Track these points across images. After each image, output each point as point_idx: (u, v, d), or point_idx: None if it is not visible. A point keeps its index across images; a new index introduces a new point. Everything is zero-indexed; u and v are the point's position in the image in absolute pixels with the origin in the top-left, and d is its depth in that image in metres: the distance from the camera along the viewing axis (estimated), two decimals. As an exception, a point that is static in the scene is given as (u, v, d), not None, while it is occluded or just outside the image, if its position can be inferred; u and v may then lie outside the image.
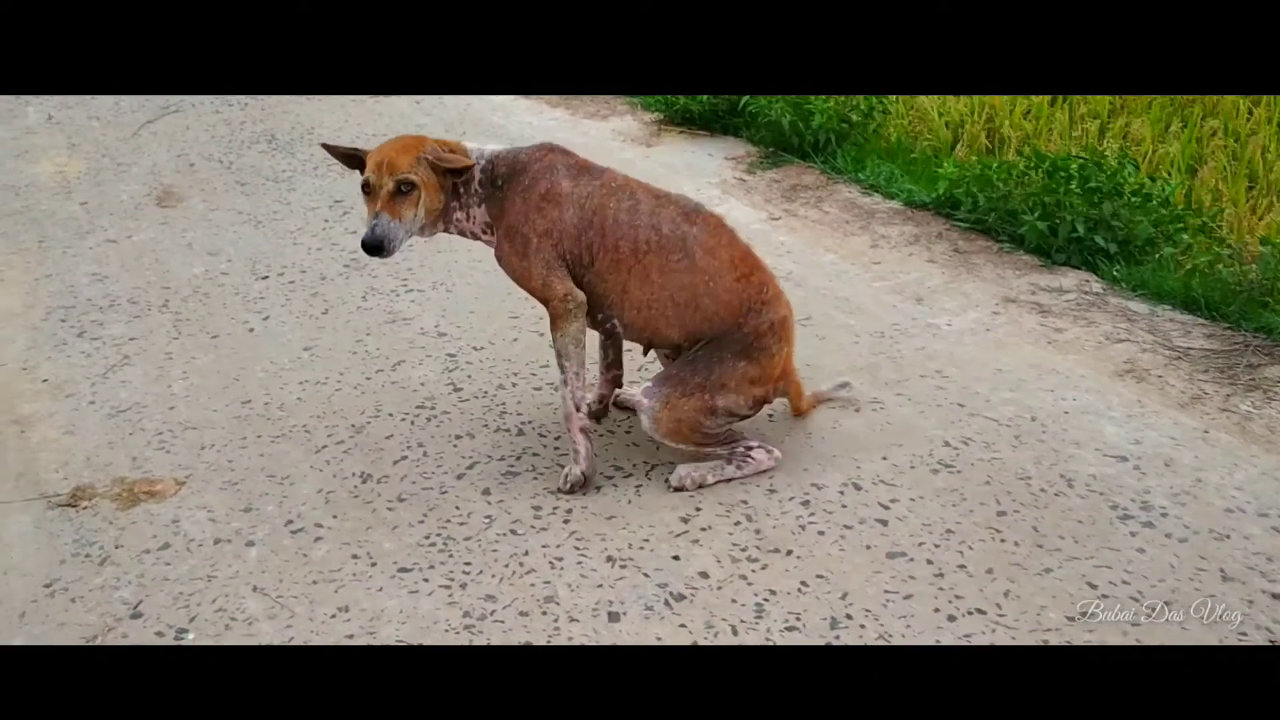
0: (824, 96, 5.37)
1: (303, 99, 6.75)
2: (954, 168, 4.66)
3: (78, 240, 4.68)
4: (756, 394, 2.90)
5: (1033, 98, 6.49)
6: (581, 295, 2.87)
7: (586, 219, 2.84)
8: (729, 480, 2.92)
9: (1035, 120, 6.16)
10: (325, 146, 2.99)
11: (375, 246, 2.71)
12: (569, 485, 2.89)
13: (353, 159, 2.92)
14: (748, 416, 2.96)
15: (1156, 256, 4.05)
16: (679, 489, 2.89)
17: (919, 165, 5.29)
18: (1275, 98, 6.14)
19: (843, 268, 4.20)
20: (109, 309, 4.02)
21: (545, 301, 2.89)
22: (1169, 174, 5.24)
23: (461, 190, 2.91)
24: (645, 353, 3.20)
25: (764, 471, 2.94)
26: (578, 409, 2.91)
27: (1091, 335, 3.61)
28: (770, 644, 2.35)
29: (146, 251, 4.55)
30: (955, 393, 3.30)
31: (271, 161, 5.64)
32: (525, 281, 2.90)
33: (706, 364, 2.84)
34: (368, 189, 2.77)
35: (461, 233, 2.98)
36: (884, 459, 2.99)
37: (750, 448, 2.94)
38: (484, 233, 2.97)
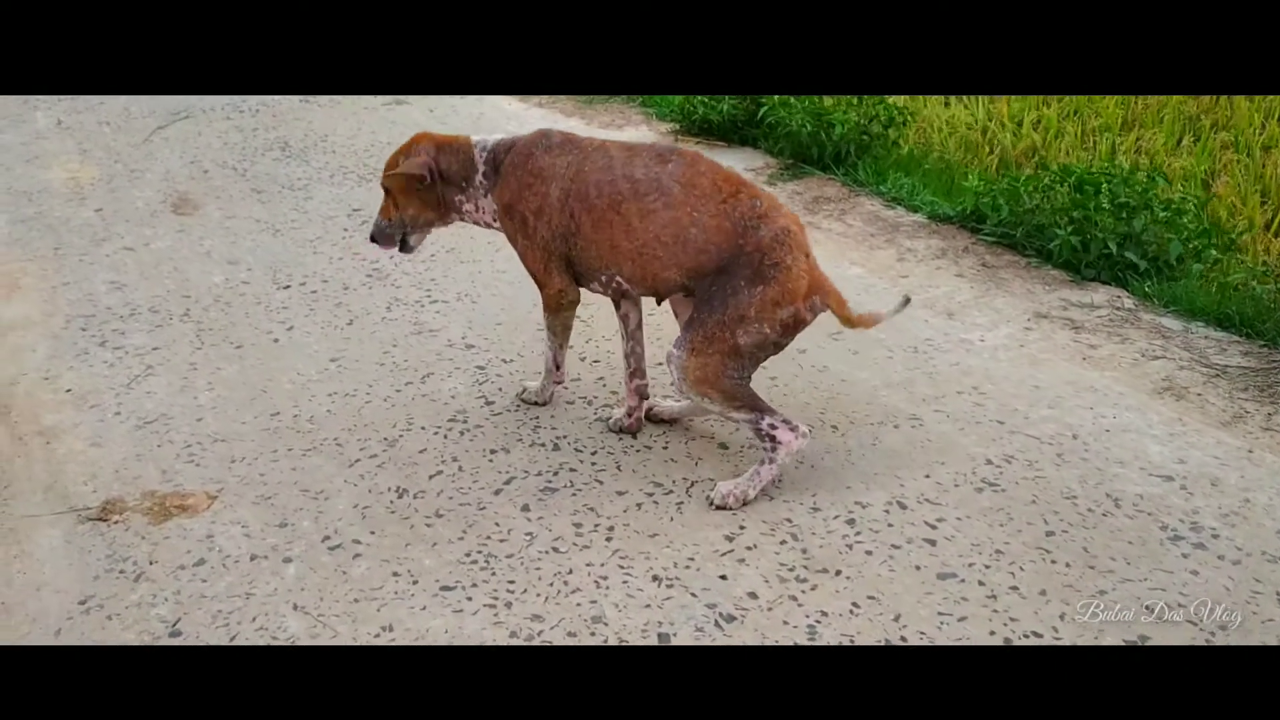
0: (844, 108, 5.35)
1: (314, 106, 6.71)
2: (979, 180, 4.63)
3: (94, 247, 4.63)
4: (784, 316, 2.78)
5: (1043, 110, 6.49)
6: (575, 294, 3.08)
7: (567, 189, 2.94)
8: (769, 483, 2.87)
9: (1045, 132, 6.15)
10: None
11: (370, 238, 3.29)
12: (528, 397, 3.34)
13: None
14: (783, 344, 2.85)
15: (1187, 273, 4.02)
16: (721, 507, 2.84)
17: (932, 178, 5.27)
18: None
19: (870, 281, 4.17)
20: (130, 318, 3.97)
21: (541, 288, 3.10)
22: (1183, 188, 5.24)
23: (465, 184, 3.10)
24: (659, 303, 3.11)
25: (795, 453, 2.84)
26: (557, 366, 3.29)
27: (1126, 352, 3.58)
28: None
29: (165, 259, 4.50)
30: (994, 409, 3.26)
31: (286, 169, 5.60)
32: (526, 262, 3.10)
33: (721, 299, 2.78)
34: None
35: (475, 223, 3.21)
36: (927, 477, 2.95)
37: (775, 426, 2.82)
38: (494, 221, 3.14)
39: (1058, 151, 5.83)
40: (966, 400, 3.32)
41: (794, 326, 2.83)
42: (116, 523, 2.83)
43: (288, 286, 4.22)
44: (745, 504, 2.85)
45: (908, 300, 2.94)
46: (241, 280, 4.28)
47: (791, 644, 2.37)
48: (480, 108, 6.72)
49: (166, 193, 5.28)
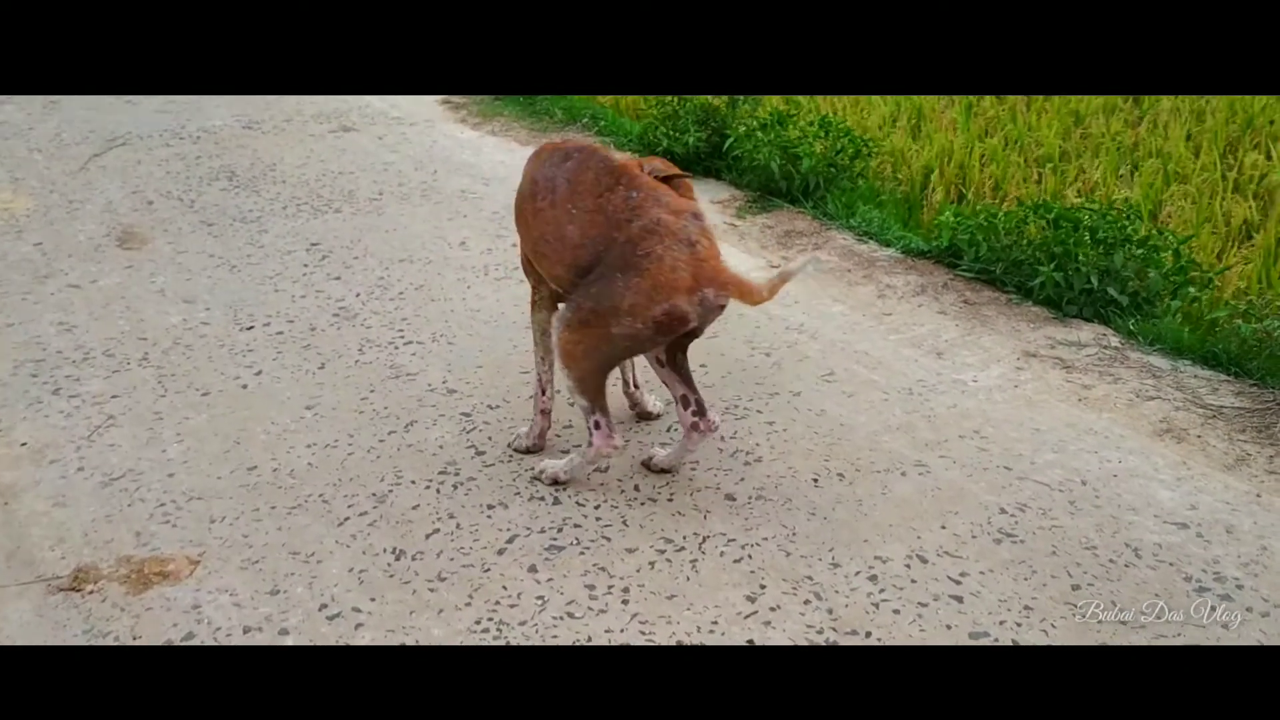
0: (811, 139, 5.30)
1: (259, 133, 6.49)
2: (953, 215, 4.61)
3: (37, 285, 4.38)
4: (657, 311, 2.68)
5: (989, 141, 6.53)
6: (544, 292, 3.11)
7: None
8: (578, 469, 3.03)
9: (995, 164, 6.18)
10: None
11: None
12: (518, 445, 3.23)
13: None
14: (659, 340, 2.78)
15: (1167, 309, 4.03)
16: (536, 479, 3.08)
17: (890, 208, 5.24)
18: (1215, 143, 6.25)
19: (854, 319, 4.11)
20: (83, 362, 3.74)
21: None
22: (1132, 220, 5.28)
23: None
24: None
25: (598, 457, 2.96)
26: (543, 391, 3.18)
27: (1121, 393, 3.56)
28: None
29: (115, 298, 4.26)
30: (998, 455, 3.21)
31: (236, 200, 5.38)
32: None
33: (597, 287, 2.75)
34: None
35: None
36: (943, 528, 2.87)
37: (598, 426, 2.90)
38: None
39: (1008, 184, 5.86)
40: (970, 445, 3.26)
41: (672, 321, 2.72)
42: (91, 593, 2.63)
43: (251, 327, 4.02)
44: (556, 484, 3.05)
45: (816, 259, 2.85)
46: (200, 320, 4.07)
47: (832, 715, 2.27)
48: (432, 135, 6.56)
49: (110, 225, 5.03)
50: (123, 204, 5.31)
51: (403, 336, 3.95)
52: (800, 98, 7.09)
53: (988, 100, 7.43)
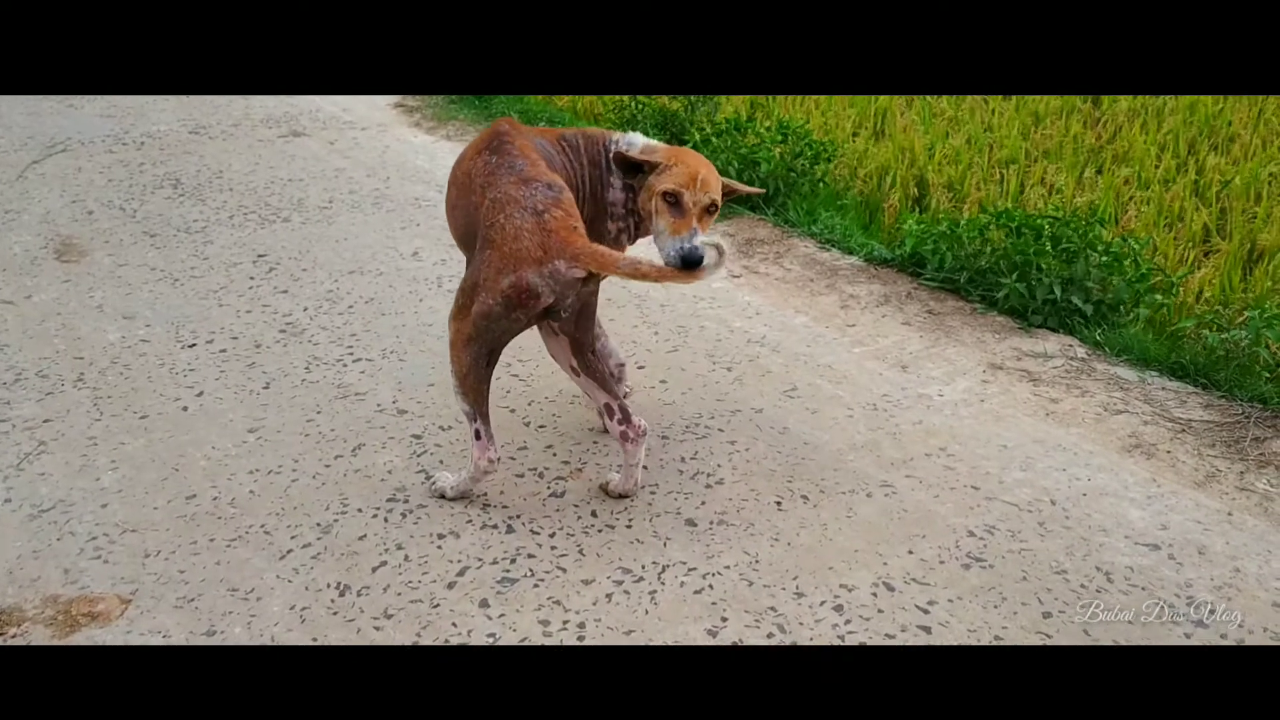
0: (769, 144, 5.21)
1: (205, 139, 6.31)
2: (915, 223, 4.53)
3: (-32, 301, 4.20)
4: (505, 285, 2.60)
5: (951, 142, 6.48)
6: None
7: None
8: (468, 485, 2.96)
9: (957, 165, 6.11)
10: (619, 156, 2.88)
11: (696, 261, 2.63)
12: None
13: (638, 167, 2.85)
14: (514, 319, 2.66)
15: (1133, 318, 3.97)
16: (438, 496, 3.00)
17: (850, 213, 5.17)
18: (1180, 146, 6.23)
19: (817, 331, 4.01)
20: (14, 384, 3.57)
21: None
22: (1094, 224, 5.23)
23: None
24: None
25: (493, 466, 2.88)
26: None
27: (1089, 406, 3.49)
28: None
29: (50, 314, 4.09)
30: (965, 473, 3.12)
31: (180, 209, 5.21)
32: None
33: (472, 264, 2.76)
34: (677, 201, 2.75)
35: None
36: (910, 553, 2.78)
37: (478, 436, 2.84)
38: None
39: (970, 186, 5.80)
40: (936, 463, 3.17)
41: (520, 295, 2.62)
42: (14, 636, 2.47)
43: (193, 345, 3.86)
44: (443, 498, 2.97)
45: (720, 251, 2.67)
46: (140, 338, 3.91)
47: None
48: (385, 140, 6.40)
49: (48, 237, 4.84)
50: (62, 214, 5.13)
51: (352, 353, 3.81)
52: (765, 101, 7.02)
53: (946, 101, 7.38)
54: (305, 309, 4.15)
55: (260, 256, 4.65)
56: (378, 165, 5.91)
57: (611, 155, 2.89)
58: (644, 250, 2.89)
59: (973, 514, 2.94)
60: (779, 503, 2.98)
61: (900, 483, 3.08)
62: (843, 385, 3.61)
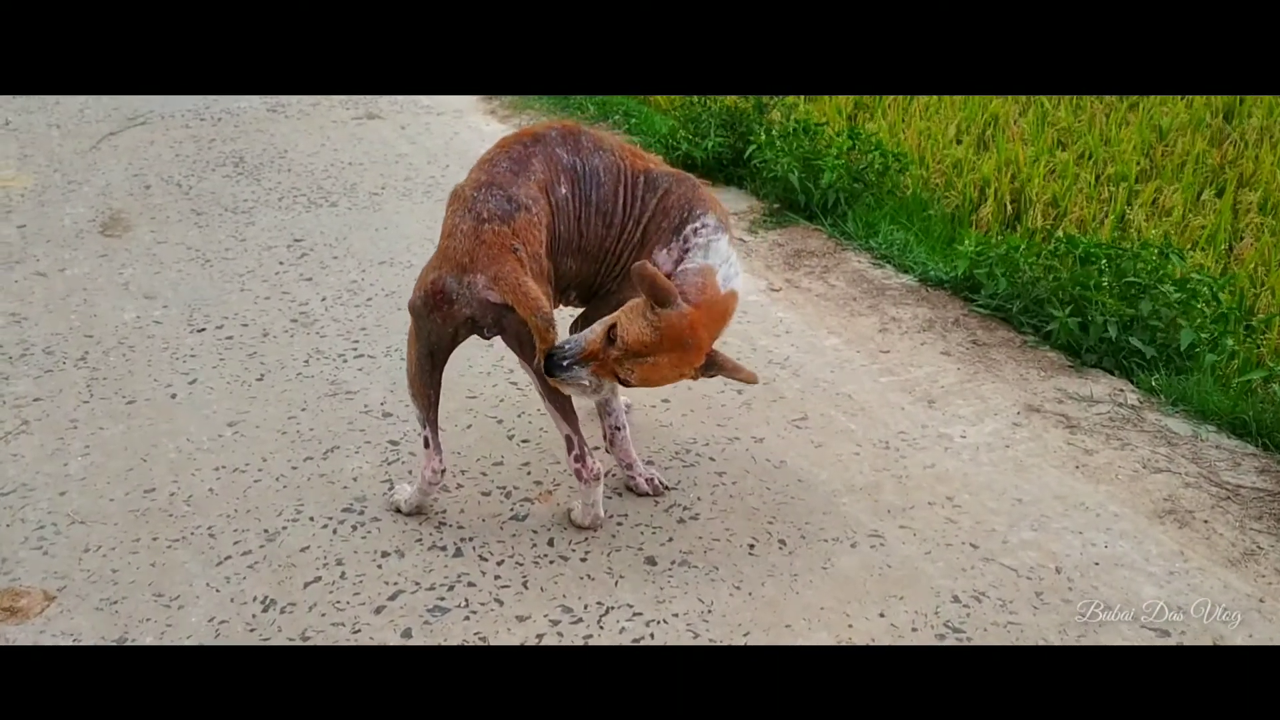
0: (835, 151, 4.93)
1: (281, 117, 6.32)
2: (975, 244, 4.20)
3: (4, 271, 4.24)
4: (427, 280, 2.52)
5: (1058, 156, 6.06)
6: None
7: None
8: (419, 495, 2.80)
9: (1061, 180, 5.71)
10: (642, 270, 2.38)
11: (552, 367, 2.46)
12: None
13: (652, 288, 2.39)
14: (432, 321, 2.53)
15: (1199, 364, 3.59)
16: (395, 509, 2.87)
17: (936, 225, 4.85)
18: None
19: (846, 355, 3.74)
20: (20, 359, 3.57)
21: None
22: (1204, 249, 4.80)
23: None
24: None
25: (439, 477, 2.74)
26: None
27: (1126, 461, 3.15)
28: None
29: (77, 289, 4.10)
30: (968, 528, 2.84)
31: (234, 188, 5.20)
32: None
33: None
34: (611, 340, 2.46)
35: None
36: (881, 616, 2.52)
37: (426, 444, 2.71)
38: None
39: (1072, 203, 5.40)
40: (938, 514, 2.89)
41: (434, 298, 2.48)
42: (-69, 626, 2.43)
43: (202, 329, 3.81)
44: (399, 512, 2.84)
45: (596, 388, 2.51)
46: (153, 319, 3.88)
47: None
48: (455, 126, 6.31)
49: (100, 210, 4.88)
50: (120, 187, 5.17)
51: (355, 349, 3.70)
52: (871, 101, 6.70)
53: (1064, 109, 6.93)
54: (324, 299, 4.06)
55: (296, 241, 4.60)
56: (441, 152, 5.82)
57: (635, 266, 2.36)
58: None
59: (964, 576, 2.66)
60: (752, 546, 2.75)
61: (891, 534, 2.81)
62: (857, 418, 3.34)
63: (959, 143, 6.31)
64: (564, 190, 2.62)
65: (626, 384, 2.47)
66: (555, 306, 2.86)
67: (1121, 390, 3.54)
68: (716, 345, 2.56)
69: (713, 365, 2.52)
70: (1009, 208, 5.38)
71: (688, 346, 2.41)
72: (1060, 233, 4.26)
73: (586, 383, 2.43)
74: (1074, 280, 3.77)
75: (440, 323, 2.52)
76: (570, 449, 2.68)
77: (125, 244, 4.53)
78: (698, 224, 2.60)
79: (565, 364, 2.41)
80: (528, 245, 2.45)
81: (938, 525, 2.85)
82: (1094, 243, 3.99)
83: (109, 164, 5.49)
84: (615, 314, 2.45)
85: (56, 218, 4.77)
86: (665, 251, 2.61)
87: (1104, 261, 3.77)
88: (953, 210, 5.24)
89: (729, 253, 2.58)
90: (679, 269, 2.53)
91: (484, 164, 2.63)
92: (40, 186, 5.15)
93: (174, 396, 3.38)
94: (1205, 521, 2.89)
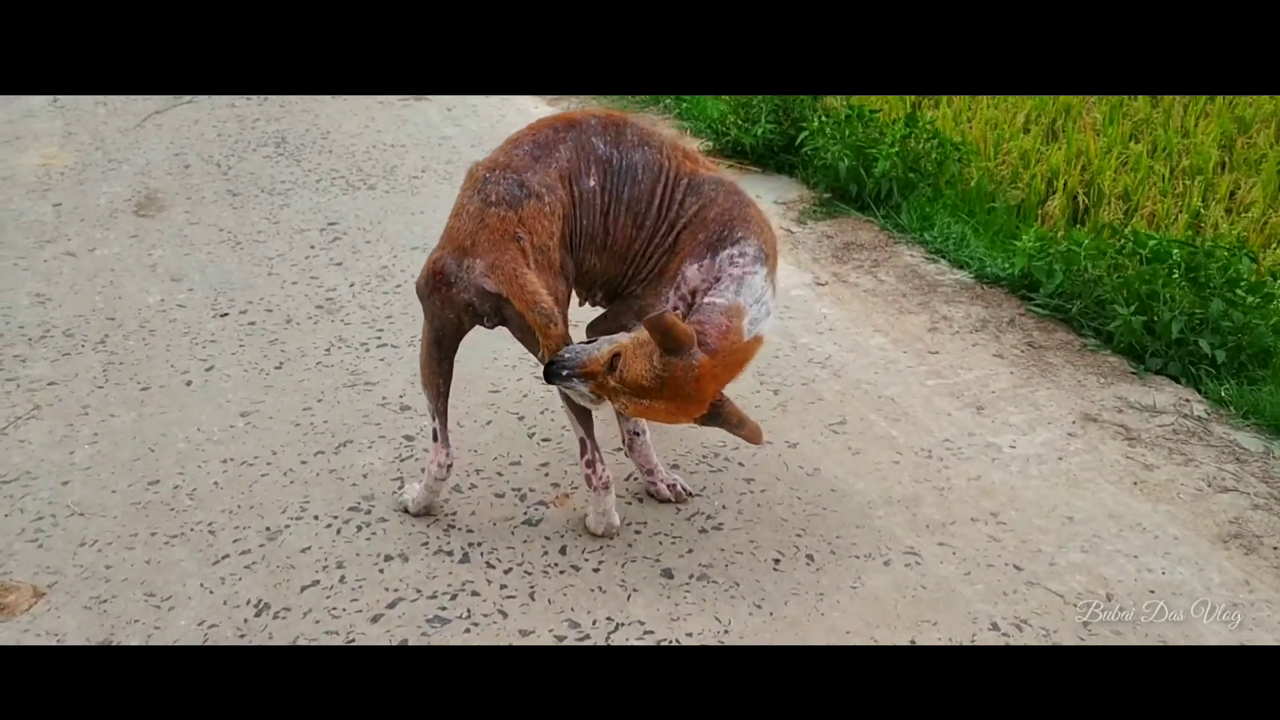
0: (890, 140, 4.70)
1: (326, 99, 6.22)
2: (1035, 240, 3.96)
3: (35, 250, 4.18)
4: (432, 258, 2.44)
5: (1131, 148, 5.76)
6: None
7: None
8: (429, 493, 2.67)
9: (1134, 173, 5.42)
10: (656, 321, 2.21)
11: (552, 374, 2.32)
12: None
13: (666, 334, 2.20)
14: (433, 302, 2.43)
15: (1275, 373, 3.33)
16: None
17: (999, 220, 4.60)
18: None
19: (893, 356, 3.53)
20: (40, 341, 3.50)
21: None
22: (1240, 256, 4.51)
23: None
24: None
25: (445, 471, 2.61)
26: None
27: (1190, 479, 2.92)
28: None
29: (105, 269, 4.02)
30: (1012, 548, 2.63)
31: (273, 169, 5.11)
32: None
33: None
34: (612, 365, 2.28)
35: None
36: (911, 643, 2.33)
37: (435, 438, 2.59)
38: None
39: (1145, 197, 5.11)
40: (980, 531, 2.69)
41: (434, 278, 2.38)
42: (-85, 620, 2.34)
43: (225, 314, 3.71)
44: (406, 512, 2.69)
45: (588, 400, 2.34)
46: (177, 303, 3.78)
47: None
48: (503, 109, 6.17)
49: (136, 189, 4.82)
50: (160, 166, 5.11)
51: (379, 338, 3.58)
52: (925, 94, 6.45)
53: (1142, 98, 6.59)
54: (352, 284, 3.94)
55: (330, 224, 4.49)
56: (486, 135, 5.68)
57: (651, 318, 2.16)
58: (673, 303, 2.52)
59: (1004, 601, 2.46)
60: (777, 560, 2.58)
61: (929, 551, 2.62)
62: (899, 424, 3.14)
63: (1026, 132, 6.03)
64: (592, 182, 2.45)
65: (619, 411, 2.32)
66: (582, 304, 2.71)
67: (1187, 400, 3.29)
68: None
69: (717, 417, 2.29)
70: (1081, 200, 5.11)
71: (688, 399, 2.22)
72: (1128, 229, 3.99)
73: (585, 396, 2.27)
74: (1141, 278, 3.52)
75: (439, 306, 2.39)
76: (583, 453, 2.53)
77: (158, 224, 4.45)
78: (736, 250, 2.39)
79: (564, 374, 2.24)
80: (534, 235, 2.29)
81: (979, 543, 2.65)
82: (1166, 239, 3.73)
83: (151, 142, 5.43)
84: (624, 340, 2.27)
85: (93, 196, 4.71)
86: (697, 267, 2.41)
87: (1175, 257, 3.52)
88: (1018, 203, 4.98)
89: (763, 290, 2.37)
90: (706, 300, 2.34)
91: (507, 144, 2.48)
92: (81, 164, 5.10)
93: (189, 384, 3.28)
94: (1275, 548, 2.65)
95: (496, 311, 2.33)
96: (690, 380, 2.18)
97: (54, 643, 2.29)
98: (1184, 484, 2.90)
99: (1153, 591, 2.50)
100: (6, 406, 3.14)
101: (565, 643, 2.31)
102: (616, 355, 2.22)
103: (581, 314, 2.71)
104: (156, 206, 4.63)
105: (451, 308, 2.38)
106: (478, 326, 2.48)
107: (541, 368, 2.32)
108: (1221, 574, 2.56)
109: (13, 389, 3.23)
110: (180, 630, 2.33)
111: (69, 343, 3.50)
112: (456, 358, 2.65)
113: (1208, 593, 2.50)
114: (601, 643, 2.31)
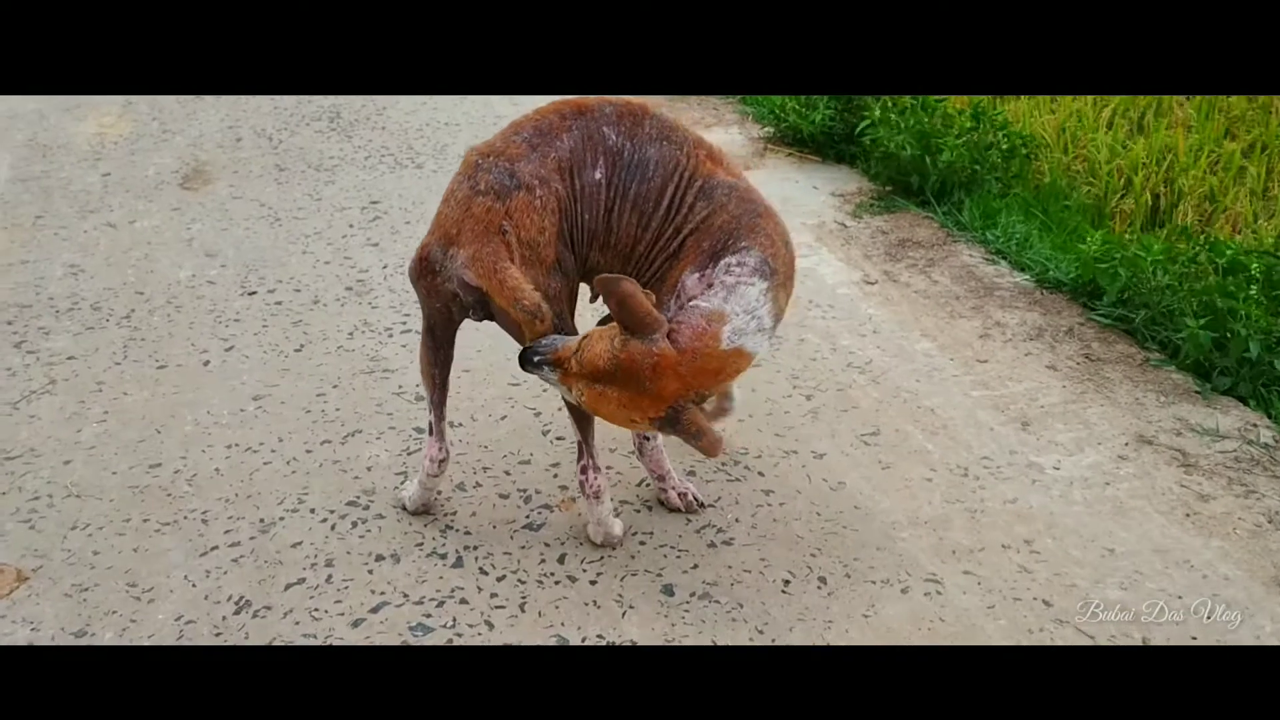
0: (957, 130, 4.47)
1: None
2: (1099, 243, 3.71)
3: (78, 220, 4.17)
4: (422, 244, 2.35)
5: (1223, 148, 5.43)
6: None
7: None
8: (425, 489, 2.57)
9: (1225, 172, 5.09)
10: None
11: (525, 360, 2.22)
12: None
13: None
14: (421, 286, 2.34)
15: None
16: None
17: (1072, 219, 4.35)
18: None
19: (938, 363, 3.33)
20: (66, 313, 3.47)
21: None
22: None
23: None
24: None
25: (438, 466, 2.51)
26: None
27: (1249, 512, 2.69)
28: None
29: (141, 243, 4.00)
30: (1043, 580, 2.44)
31: (323, 144, 5.05)
32: None
33: None
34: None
35: None
36: (922, 681, 2.16)
37: (430, 432, 2.50)
38: None
39: (1235, 198, 4.80)
40: (1011, 561, 2.50)
41: (421, 264, 2.29)
42: (-106, 601, 2.30)
43: (254, 292, 3.65)
44: (404, 510, 2.61)
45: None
46: (207, 279, 3.73)
47: None
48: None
49: (185, 161, 4.79)
50: (211, 139, 5.08)
51: (404, 323, 3.48)
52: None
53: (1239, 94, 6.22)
54: (385, 266, 3.86)
55: (373, 203, 4.41)
56: (542, 115, 5.55)
57: (604, 277, 2.06)
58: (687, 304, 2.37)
59: (1028, 640, 2.27)
60: (787, 581, 2.42)
61: (952, 579, 2.44)
62: (937, 437, 2.95)
63: (1109, 127, 5.72)
64: (598, 174, 2.29)
65: (577, 405, 2.17)
66: (593, 300, 2.57)
67: (1255, 425, 3.05)
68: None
69: (674, 423, 2.07)
70: (1161, 199, 4.82)
71: (644, 390, 2.03)
72: (1205, 235, 3.73)
73: (556, 384, 2.14)
74: (1215, 289, 3.27)
75: (426, 294, 2.30)
76: (580, 457, 2.40)
77: (200, 198, 4.41)
78: (735, 259, 2.19)
79: (536, 360, 2.11)
80: (521, 230, 2.15)
81: (1008, 574, 2.46)
82: (1244, 248, 3.47)
83: (208, 114, 5.41)
84: (598, 329, 2.13)
85: (141, 168, 4.70)
86: (698, 276, 2.23)
87: (1253, 270, 3.26)
88: (1092, 201, 4.72)
89: (757, 303, 2.14)
90: (690, 304, 2.17)
91: (509, 129, 2.34)
92: (135, 135, 5.10)
93: (207, 364, 3.22)
94: (1338, 596, 2.42)
95: (481, 304, 2.21)
96: (646, 368, 2.00)
97: (29, 630, 2.23)
98: (1242, 518, 2.67)
99: (1195, 638, 2.29)
100: (24, 380, 3.11)
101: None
102: (585, 339, 2.08)
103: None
104: (202, 179, 4.60)
105: (438, 297, 2.27)
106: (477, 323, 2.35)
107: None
108: (1274, 622, 2.34)
109: (32, 362, 3.20)
110: (156, 625, 2.25)
111: (95, 316, 3.46)
112: (478, 348, 2.51)
113: (1258, 641, 2.28)
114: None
